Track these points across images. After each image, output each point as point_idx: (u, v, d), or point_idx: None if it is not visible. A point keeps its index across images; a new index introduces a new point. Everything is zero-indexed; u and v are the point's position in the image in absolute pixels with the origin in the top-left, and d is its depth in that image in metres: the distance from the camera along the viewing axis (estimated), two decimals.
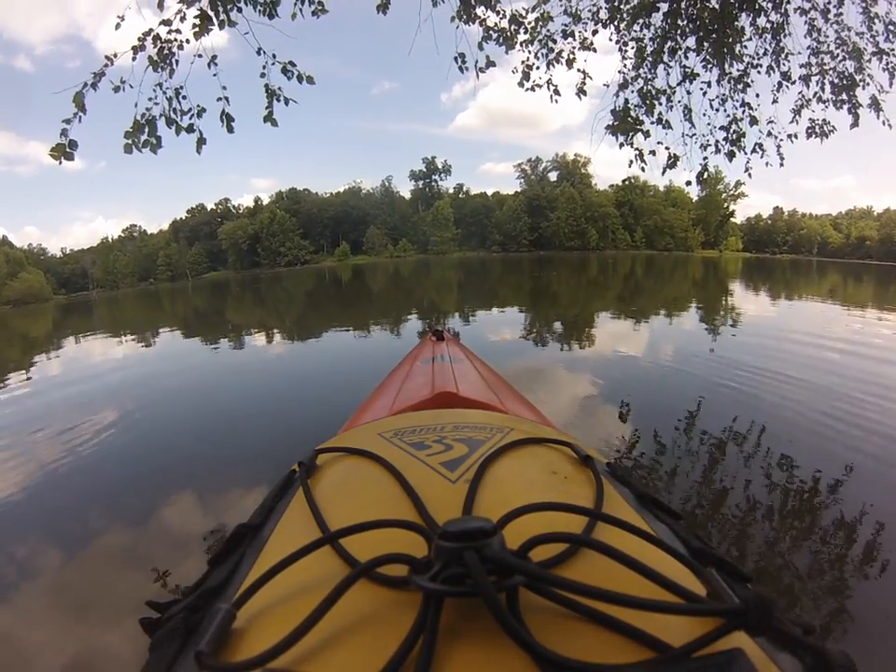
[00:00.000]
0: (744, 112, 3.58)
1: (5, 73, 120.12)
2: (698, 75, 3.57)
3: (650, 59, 3.52)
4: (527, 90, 3.61)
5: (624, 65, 3.61)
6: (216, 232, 63.21)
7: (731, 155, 3.57)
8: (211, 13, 2.45)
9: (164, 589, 1.83)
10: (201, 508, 2.49)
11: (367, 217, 63.90)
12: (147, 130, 2.41)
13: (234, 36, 2.59)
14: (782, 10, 3.42)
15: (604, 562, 0.38)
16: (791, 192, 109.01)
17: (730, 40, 3.41)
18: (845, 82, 3.44)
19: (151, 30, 2.44)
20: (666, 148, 3.48)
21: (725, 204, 61.87)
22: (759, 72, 3.59)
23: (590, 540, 0.40)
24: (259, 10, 2.66)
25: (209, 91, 2.58)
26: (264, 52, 2.62)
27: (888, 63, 3.35)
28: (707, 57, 3.51)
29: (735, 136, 3.57)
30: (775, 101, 3.69)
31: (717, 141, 3.58)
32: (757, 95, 3.63)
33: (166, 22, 2.45)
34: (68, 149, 2.13)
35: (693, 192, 56.74)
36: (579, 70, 3.55)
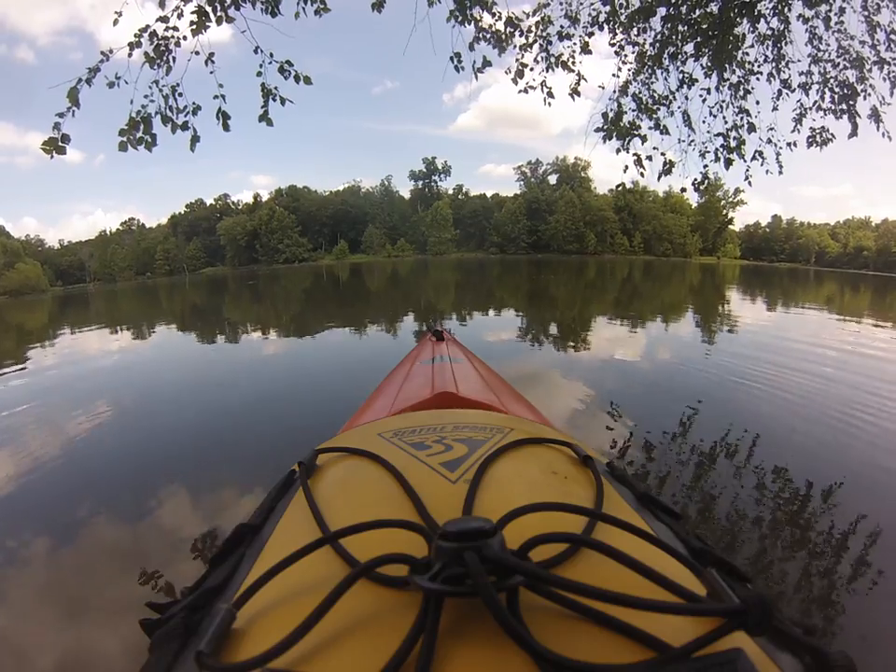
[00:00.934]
0: (742, 119, 3.58)
1: (6, 64, 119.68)
2: (697, 80, 3.57)
3: (649, 63, 3.52)
4: (521, 91, 3.58)
5: (619, 69, 3.59)
6: (214, 228, 63.02)
7: (728, 162, 3.58)
8: (209, 9, 2.43)
9: (163, 589, 1.82)
10: (200, 508, 2.47)
11: (366, 217, 63.82)
12: (142, 127, 2.39)
13: (238, 33, 2.59)
14: (783, 18, 3.43)
15: (604, 562, 0.38)
16: (791, 200, 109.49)
17: (729, 47, 3.42)
18: (845, 91, 3.44)
19: (148, 26, 2.42)
20: (662, 154, 3.46)
21: (724, 211, 62.10)
22: (758, 79, 3.59)
23: (590, 540, 0.40)
24: (262, 8, 2.64)
25: (209, 88, 2.57)
26: (261, 51, 2.60)
27: (889, 73, 3.36)
28: (707, 63, 3.52)
29: (734, 143, 3.58)
30: (775, 108, 3.69)
31: (716, 148, 3.59)
32: (757, 102, 3.63)
33: (163, 19, 2.43)
34: (60, 143, 2.12)
35: (693, 199, 56.96)
36: (572, 72, 3.53)
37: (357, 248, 62.93)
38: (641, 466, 2.74)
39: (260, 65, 2.61)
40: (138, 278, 58.59)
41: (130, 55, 2.38)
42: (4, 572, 2.05)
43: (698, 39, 3.43)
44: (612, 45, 3.59)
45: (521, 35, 3.45)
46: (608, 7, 3.44)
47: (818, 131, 3.60)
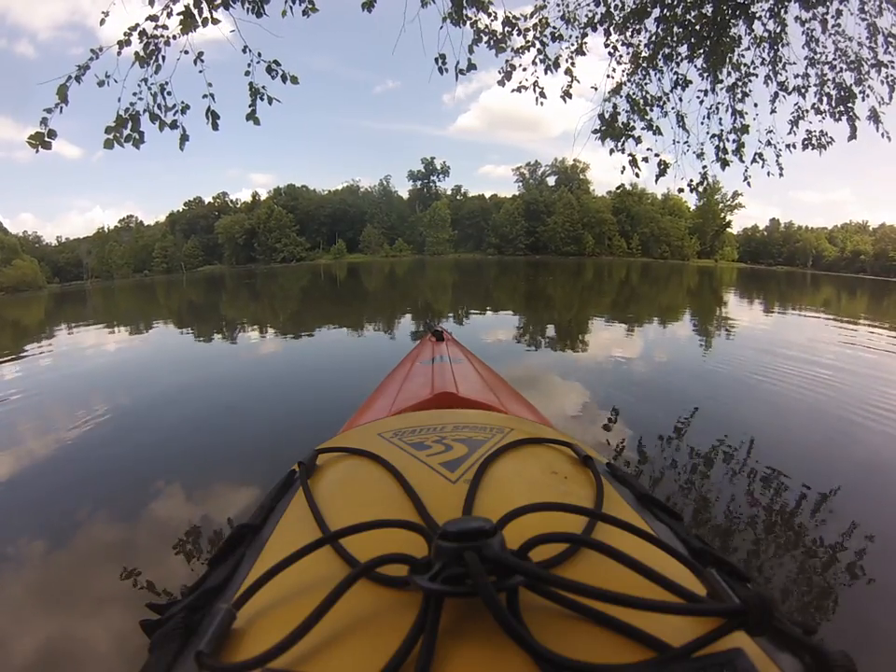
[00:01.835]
0: (735, 121, 3.58)
1: (6, 58, 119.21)
2: (691, 82, 3.57)
3: (643, 65, 3.52)
4: (514, 90, 3.57)
5: (613, 70, 3.59)
6: (212, 226, 62.97)
7: (724, 163, 3.58)
8: (195, 11, 2.43)
9: (162, 589, 1.81)
10: (200, 508, 2.45)
11: (364, 216, 63.80)
12: (129, 125, 2.40)
13: (239, 29, 2.60)
14: (779, 20, 3.43)
15: (604, 562, 0.38)
16: (789, 204, 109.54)
17: (723, 49, 3.42)
18: (843, 94, 3.45)
19: (137, 25, 2.42)
20: (656, 155, 3.45)
21: (722, 214, 62.25)
22: (751, 80, 3.59)
23: (590, 540, 0.40)
24: (248, 8, 2.65)
25: (203, 86, 2.56)
26: (249, 50, 2.61)
27: (887, 76, 3.36)
28: (703, 65, 3.52)
29: (733, 145, 3.58)
30: (773, 111, 3.70)
31: (716, 147, 3.59)
32: (755, 105, 3.64)
33: (152, 18, 2.44)
34: (47, 138, 2.12)
35: (691, 201, 57.12)
36: (569, 74, 3.52)
37: (354, 248, 62.90)
38: (641, 466, 2.74)
39: (248, 65, 2.63)
40: (136, 276, 58.56)
41: (119, 53, 2.38)
42: (3, 573, 2.03)
43: (692, 41, 3.44)
44: (607, 46, 3.59)
45: (519, 35, 3.44)
46: (602, 9, 3.43)
47: (814, 133, 3.61)
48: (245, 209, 65.90)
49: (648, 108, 3.57)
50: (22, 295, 39.19)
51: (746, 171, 3.64)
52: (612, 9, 3.43)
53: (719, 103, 3.59)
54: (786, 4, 3.38)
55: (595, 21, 3.45)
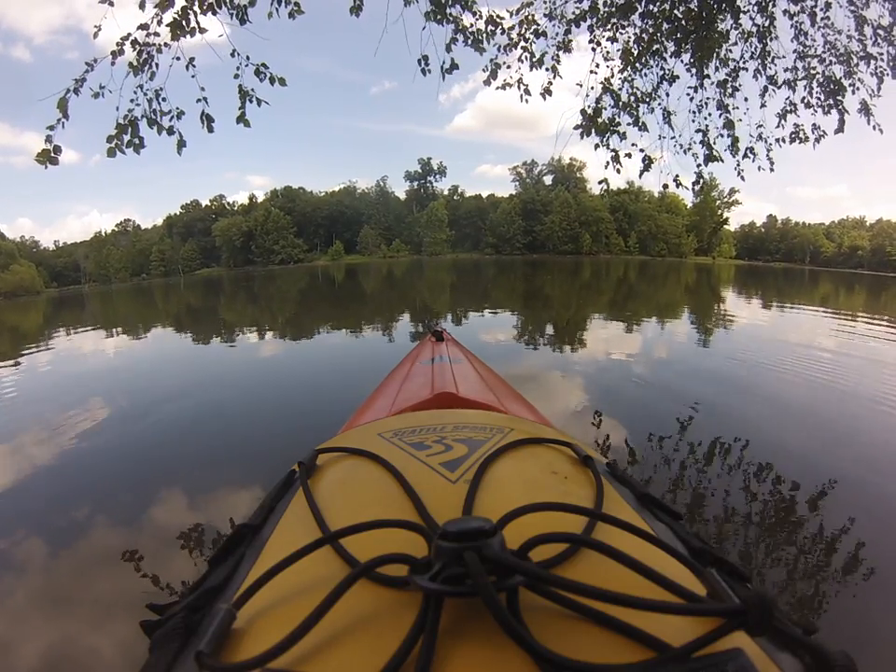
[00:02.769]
0: (721, 115, 3.55)
1: (2, 63, 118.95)
2: (678, 77, 3.56)
3: (631, 59, 3.51)
4: (498, 87, 3.54)
5: (597, 65, 3.55)
6: (210, 229, 62.89)
7: (708, 158, 3.56)
8: (182, 21, 2.44)
9: (162, 589, 1.81)
10: (200, 508, 2.45)
11: (361, 217, 63.89)
12: (129, 130, 2.43)
13: (234, 31, 2.62)
14: (767, 14, 3.43)
15: (604, 562, 0.38)
16: (787, 201, 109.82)
17: (709, 44, 3.40)
18: (832, 87, 3.44)
19: (129, 34, 2.45)
20: (641, 150, 3.43)
21: (719, 212, 62.31)
22: (738, 75, 3.58)
23: (590, 540, 0.40)
24: (231, 14, 2.66)
25: (206, 88, 2.57)
26: (238, 54, 2.63)
27: (876, 68, 3.36)
28: (690, 60, 3.50)
29: (731, 140, 3.57)
30: (763, 105, 3.69)
31: (701, 143, 3.56)
32: (746, 99, 3.62)
33: (143, 27, 2.46)
34: (53, 154, 2.17)
35: (688, 199, 57.13)
36: (553, 72, 3.51)
37: (352, 249, 62.93)
38: (641, 465, 2.74)
39: (237, 68, 2.64)
40: (134, 279, 58.50)
41: (113, 63, 2.41)
42: (2, 574, 2.03)
43: (678, 36, 3.42)
44: (591, 42, 3.56)
45: (502, 34, 3.41)
46: (587, 4, 3.41)
47: (801, 127, 3.61)
48: (242, 211, 65.91)
49: (634, 104, 3.56)
50: (20, 300, 39.16)
51: (738, 165, 3.63)
52: (600, 5, 3.41)
53: (708, 98, 3.58)
54: None
55: (579, 17, 3.44)
